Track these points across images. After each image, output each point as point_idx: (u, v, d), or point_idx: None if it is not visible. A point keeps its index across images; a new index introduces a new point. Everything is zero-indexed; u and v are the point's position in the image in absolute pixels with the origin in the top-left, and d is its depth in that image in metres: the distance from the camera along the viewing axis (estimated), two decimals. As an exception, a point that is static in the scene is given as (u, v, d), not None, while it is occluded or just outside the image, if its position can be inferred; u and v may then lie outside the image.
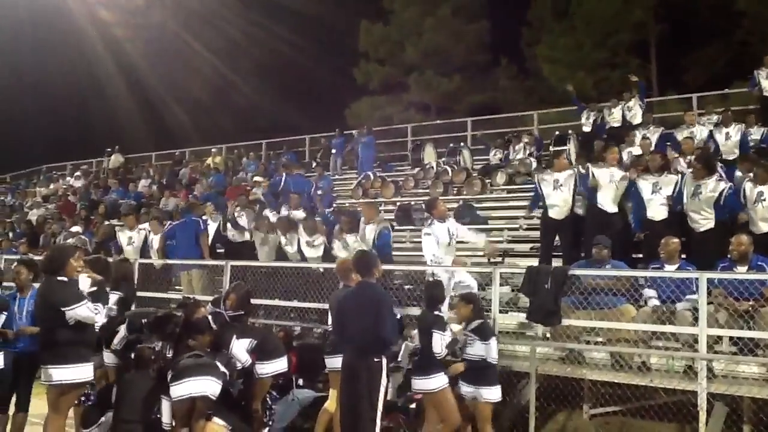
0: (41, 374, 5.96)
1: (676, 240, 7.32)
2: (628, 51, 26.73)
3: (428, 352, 6.22)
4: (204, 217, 11.60)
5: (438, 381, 6.22)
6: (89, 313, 5.71)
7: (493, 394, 6.26)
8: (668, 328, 6.36)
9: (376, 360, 5.58)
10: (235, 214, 11.81)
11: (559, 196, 9.24)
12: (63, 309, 5.65)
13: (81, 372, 5.86)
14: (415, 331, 6.74)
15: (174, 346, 6.22)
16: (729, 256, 6.86)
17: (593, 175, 9.02)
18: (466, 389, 6.36)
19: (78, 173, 24.10)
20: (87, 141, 29.57)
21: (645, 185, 8.65)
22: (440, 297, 6.65)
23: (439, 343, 6.17)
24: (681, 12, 24.94)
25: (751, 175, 8.21)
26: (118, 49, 35.24)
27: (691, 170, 8.45)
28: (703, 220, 8.00)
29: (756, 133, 12.45)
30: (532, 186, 13.46)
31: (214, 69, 35.62)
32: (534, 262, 9.93)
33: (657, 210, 8.46)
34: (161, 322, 6.50)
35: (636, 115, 14.20)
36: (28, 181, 26.49)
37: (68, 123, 34.23)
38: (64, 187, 22.87)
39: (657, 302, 6.84)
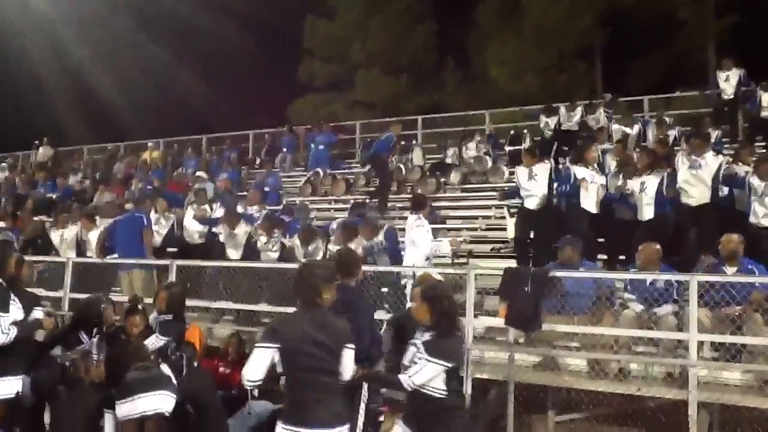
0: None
1: (657, 246, 7.08)
2: (575, 55, 27.01)
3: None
4: (155, 215, 10.76)
5: None
6: None
7: None
8: (657, 334, 6.09)
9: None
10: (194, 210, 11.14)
11: (534, 186, 9.01)
12: None
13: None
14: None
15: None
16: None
17: (575, 176, 8.80)
18: None
19: (3, 165, 22.57)
20: (13, 133, 27.76)
21: (634, 185, 8.46)
22: None
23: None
24: (625, 18, 25.30)
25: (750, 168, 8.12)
26: (51, 38, 33.35)
27: (687, 146, 8.26)
28: (699, 194, 7.89)
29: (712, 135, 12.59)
30: (487, 186, 13.47)
31: (153, 60, 34.07)
32: (495, 262, 9.67)
33: (644, 210, 8.27)
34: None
35: (600, 121, 14.06)
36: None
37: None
38: (-13, 180, 21.32)
39: (640, 306, 6.59)
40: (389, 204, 13.02)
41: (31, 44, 33.58)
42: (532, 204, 9.01)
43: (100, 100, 34.03)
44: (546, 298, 6.39)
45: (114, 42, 34.40)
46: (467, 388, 6.47)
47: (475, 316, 7.35)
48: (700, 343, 6.07)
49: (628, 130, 13.37)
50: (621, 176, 8.73)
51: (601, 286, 6.70)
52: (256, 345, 3.92)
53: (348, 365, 3.96)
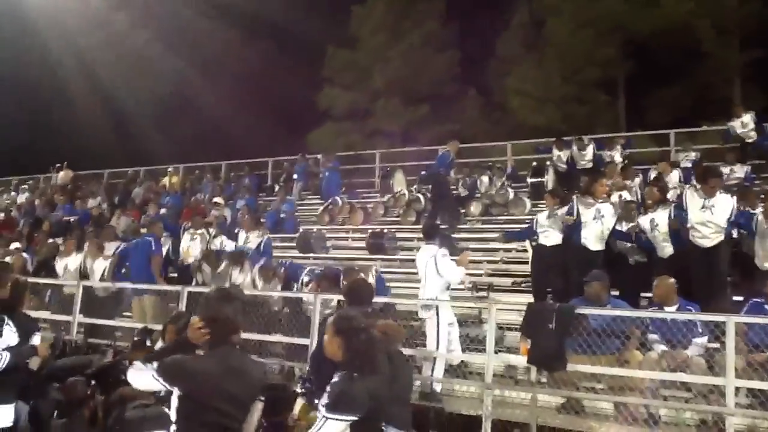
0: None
1: (671, 280, 6.77)
2: (597, 87, 26.72)
3: None
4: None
5: None
6: None
7: None
8: (692, 378, 5.72)
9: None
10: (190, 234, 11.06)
11: (552, 223, 8.89)
12: None
13: None
14: None
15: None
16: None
17: (577, 212, 8.49)
18: None
19: (24, 187, 22.69)
20: (38, 157, 28.08)
21: (644, 222, 8.15)
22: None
23: None
24: (647, 51, 25.05)
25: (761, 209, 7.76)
26: (79, 62, 33.85)
27: (699, 187, 7.88)
28: (713, 234, 7.51)
29: (739, 171, 12.28)
30: (508, 218, 13.18)
31: (176, 87, 34.48)
32: (516, 297, 9.36)
33: (662, 247, 7.93)
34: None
35: (615, 158, 13.85)
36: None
37: (19, 137, 32.43)
38: (8, 201, 21.42)
39: (663, 347, 6.25)
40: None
41: (57, 68, 34.08)
42: (548, 241, 8.81)
43: (124, 123, 34.42)
44: (571, 336, 6.05)
45: (141, 69, 34.85)
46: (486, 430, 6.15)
47: (496, 352, 7.06)
48: (736, 389, 5.72)
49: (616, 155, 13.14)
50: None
51: (630, 324, 6.38)
52: (156, 376, 3.32)
53: (252, 422, 3.47)
